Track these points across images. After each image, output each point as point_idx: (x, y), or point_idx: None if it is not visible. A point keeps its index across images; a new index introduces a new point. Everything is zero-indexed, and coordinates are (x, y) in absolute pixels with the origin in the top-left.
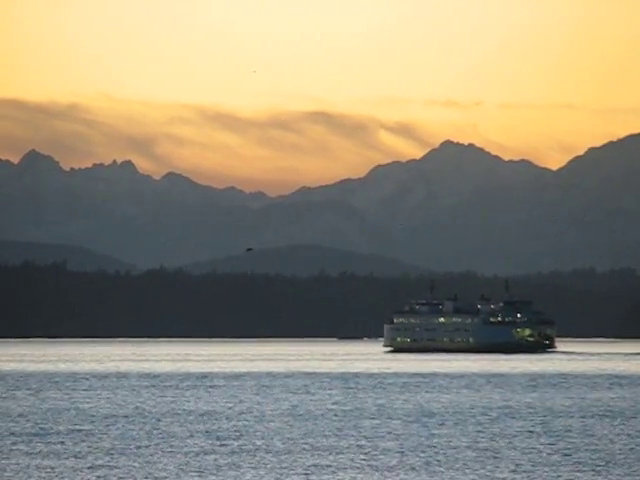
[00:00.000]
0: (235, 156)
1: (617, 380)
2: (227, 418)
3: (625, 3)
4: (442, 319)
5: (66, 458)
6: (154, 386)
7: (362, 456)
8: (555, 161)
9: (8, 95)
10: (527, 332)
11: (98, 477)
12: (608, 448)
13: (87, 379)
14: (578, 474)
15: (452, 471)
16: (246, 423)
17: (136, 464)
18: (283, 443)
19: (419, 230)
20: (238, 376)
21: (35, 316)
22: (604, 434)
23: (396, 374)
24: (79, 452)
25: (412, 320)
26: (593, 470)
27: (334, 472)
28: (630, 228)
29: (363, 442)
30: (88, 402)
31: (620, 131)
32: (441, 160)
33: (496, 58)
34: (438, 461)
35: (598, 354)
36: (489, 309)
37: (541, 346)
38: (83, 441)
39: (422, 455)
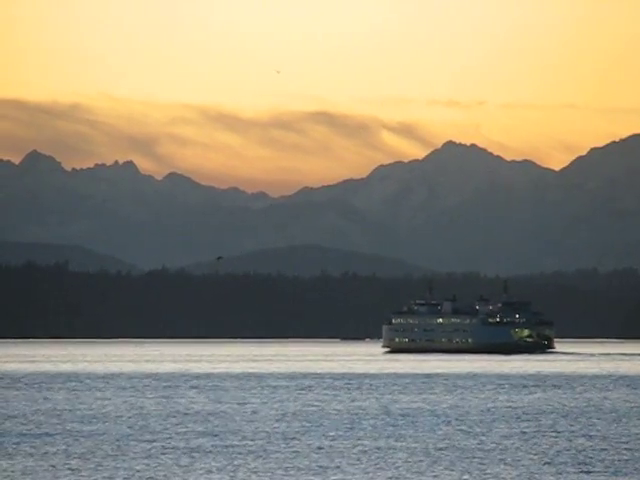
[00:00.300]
0: (237, 156)
1: (613, 380)
2: (229, 418)
3: (627, 3)
4: (440, 320)
5: (66, 458)
6: (156, 387)
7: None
8: (558, 161)
9: (9, 95)
10: (526, 333)
11: (102, 477)
12: (584, 447)
13: (89, 379)
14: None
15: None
16: (247, 423)
17: (139, 465)
18: (286, 443)
19: (421, 230)
20: (239, 377)
21: (37, 316)
22: (588, 434)
23: (382, 375)
24: (82, 453)
25: (410, 321)
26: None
27: (335, 473)
28: (633, 228)
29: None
30: (88, 403)
31: (623, 131)
32: (443, 160)
33: (498, 58)
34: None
35: (597, 355)
36: (488, 310)
37: (540, 347)
38: (84, 442)
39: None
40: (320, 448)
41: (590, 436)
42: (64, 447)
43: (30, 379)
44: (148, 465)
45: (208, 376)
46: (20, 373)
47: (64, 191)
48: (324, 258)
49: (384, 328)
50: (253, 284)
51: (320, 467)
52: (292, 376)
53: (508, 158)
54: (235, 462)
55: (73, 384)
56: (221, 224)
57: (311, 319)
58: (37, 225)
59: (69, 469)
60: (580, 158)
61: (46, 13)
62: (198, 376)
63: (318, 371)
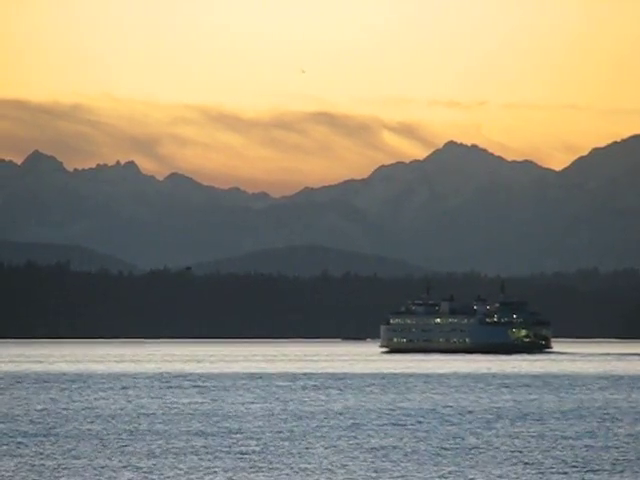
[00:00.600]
0: (238, 157)
1: (606, 380)
2: (230, 418)
3: (630, 3)
4: (438, 320)
5: (67, 459)
6: (157, 386)
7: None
8: (559, 161)
9: (11, 95)
10: (523, 333)
11: (105, 477)
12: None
13: (90, 379)
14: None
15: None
16: (245, 423)
17: (142, 464)
18: (289, 443)
19: (422, 230)
20: (239, 377)
21: (38, 316)
22: (567, 435)
23: (378, 375)
24: (82, 453)
25: (408, 321)
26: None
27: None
28: (634, 228)
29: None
30: (89, 403)
31: (624, 131)
32: (444, 161)
33: (499, 58)
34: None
35: (594, 355)
36: (485, 310)
37: (537, 347)
38: (86, 442)
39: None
40: (326, 448)
41: (565, 437)
42: (64, 447)
43: (28, 379)
44: (151, 465)
45: (208, 376)
46: (20, 373)
47: (66, 191)
48: (325, 258)
49: (382, 328)
50: (254, 284)
51: (321, 467)
52: (285, 376)
53: (509, 158)
54: (233, 462)
55: (72, 384)
56: (222, 224)
57: (312, 319)
58: (38, 225)
59: (69, 469)
60: (581, 158)
61: (47, 13)
62: (199, 376)
63: (308, 371)
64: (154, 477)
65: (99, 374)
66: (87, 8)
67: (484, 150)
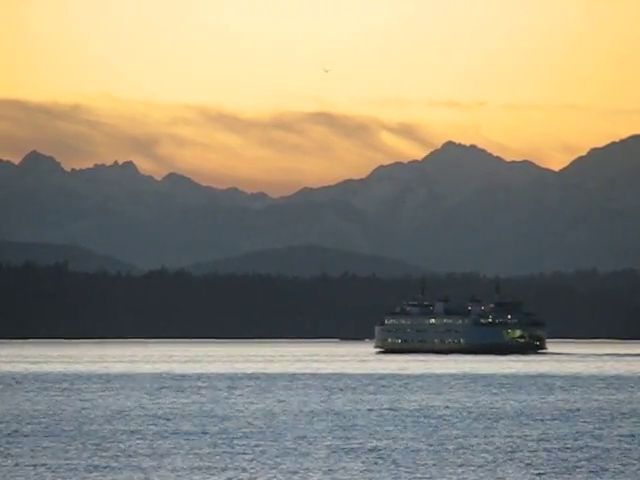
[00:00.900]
0: (237, 157)
1: (596, 381)
2: (227, 419)
3: (629, 4)
4: (433, 320)
5: (66, 459)
6: (155, 387)
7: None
8: (557, 162)
9: (10, 95)
10: (517, 333)
11: (104, 477)
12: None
13: (87, 380)
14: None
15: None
16: (244, 423)
17: (143, 464)
18: (295, 442)
19: (421, 231)
20: (238, 377)
21: (36, 317)
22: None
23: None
24: (82, 452)
25: (403, 321)
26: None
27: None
28: (632, 229)
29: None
30: (87, 403)
31: (623, 132)
32: (443, 161)
33: (498, 59)
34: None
35: (588, 355)
36: (480, 310)
37: (531, 347)
38: (85, 442)
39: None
40: (323, 448)
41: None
42: (63, 447)
43: (28, 379)
44: (150, 465)
45: (207, 376)
46: (19, 373)
47: (64, 191)
48: (324, 259)
49: (376, 329)
50: (252, 284)
51: (320, 466)
52: (279, 376)
53: (508, 159)
54: (232, 462)
55: (71, 385)
56: (221, 224)
57: (311, 319)
58: (37, 225)
59: (69, 469)
60: (580, 159)
61: (46, 13)
62: (197, 376)
63: (297, 371)
64: (154, 477)
65: (97, 375)
66: (86, 8)
67: (483, 150)
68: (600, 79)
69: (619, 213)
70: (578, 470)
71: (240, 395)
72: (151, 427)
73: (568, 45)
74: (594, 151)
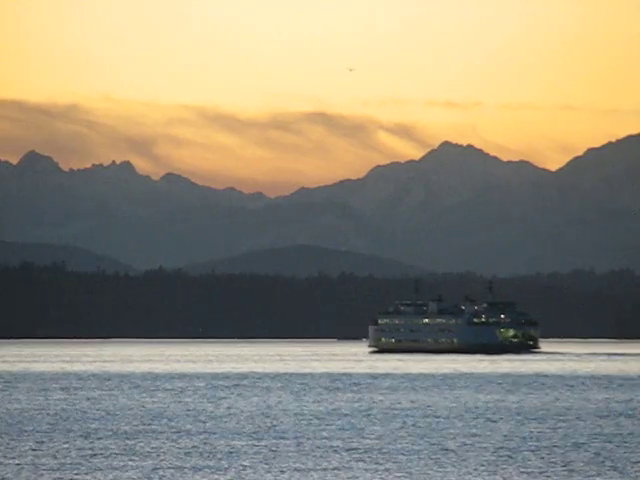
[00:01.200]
0: (234, 157)
1: (586, 380)
2: (225, 419)
3: (625, 4)
4: (426, 320)
5: (66, 459)
6: (153, 387)
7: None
8: (554, 162)
9: (8, 96)
10: (511, 333)
11: (104, 477)
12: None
13: (86, 379)
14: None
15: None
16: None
17: (143, 464)
18: (296, 443)
19: (418, 231)
20: (236, 377)
21: (34, 317)
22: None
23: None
24: (81, 452)
25: (396, 321)
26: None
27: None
28: (629, 229)
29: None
30: (86, 403)
31: (619, 132)
32: (440, 161)
33: (495, 59)
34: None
35: (581, 355)
36: (473, 310)
37: (525, 347)
38: (84, 441)
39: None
40: (318, 447)
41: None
42: (63, 447)
43: (28, 379)
44: (149, 465)
45: (206, 376)
46: (19, 373)
47: (62, 191)
48: (321, 258)
49: (370, 328)
50: (250, 284)
51: (320, 466)
52: (272, 375)
53: (504, 159)
54: (231, 463)
55: (69, 384)
56: (218, 224)
57: (308, 319)
58: (35, 225)
59: (69, 469)
60: (577, 159)
61: (45, 14)
62: (195, 376)
63: (292, 371)
64: (154, 476)
65: (95, 375)
66: (84, 9)
67: (480, 150)
68: (597, 79)
69: (616, 213)
70: (574, 469)
71: (239, 395)
72: (148, 426)
73: (564, 46)
74: (591, 151)
